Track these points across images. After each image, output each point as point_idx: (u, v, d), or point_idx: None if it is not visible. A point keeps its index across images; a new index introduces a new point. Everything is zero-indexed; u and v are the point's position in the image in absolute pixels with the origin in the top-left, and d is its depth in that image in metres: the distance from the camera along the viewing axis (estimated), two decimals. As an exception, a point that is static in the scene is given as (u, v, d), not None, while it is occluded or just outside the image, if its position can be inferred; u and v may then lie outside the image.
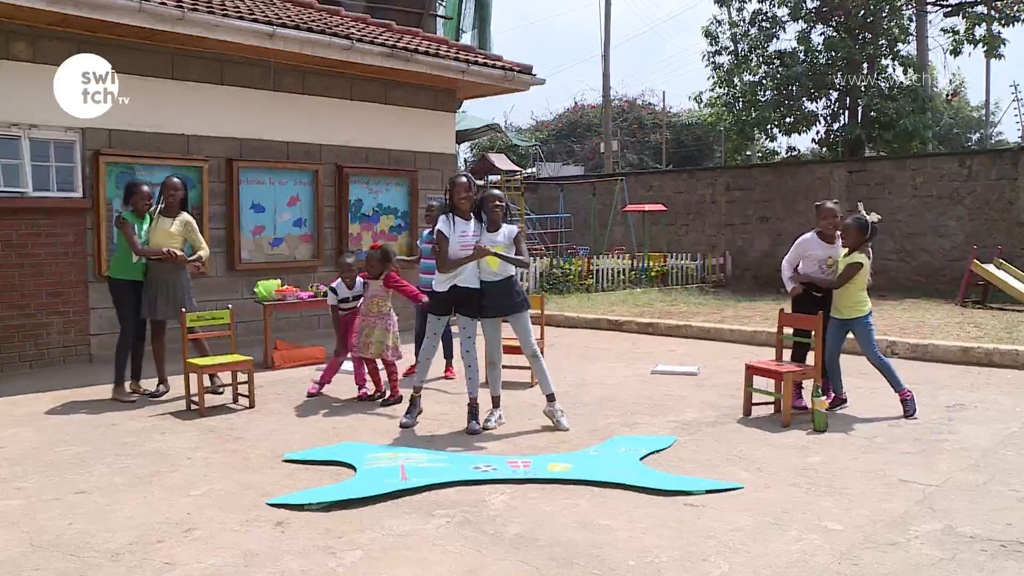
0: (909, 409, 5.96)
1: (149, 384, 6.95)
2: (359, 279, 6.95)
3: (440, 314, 5.86)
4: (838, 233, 6.18)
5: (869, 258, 6.08)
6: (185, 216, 6.83)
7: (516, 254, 5.73)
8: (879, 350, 6.21)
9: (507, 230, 5.77)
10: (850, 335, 6.23)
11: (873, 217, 6.10)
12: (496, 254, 5.60)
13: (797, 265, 6.35)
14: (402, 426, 5.75)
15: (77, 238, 8.18)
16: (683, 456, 5.03)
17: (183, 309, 6.47)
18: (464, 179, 5.80)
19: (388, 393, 6.63)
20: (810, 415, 5.74)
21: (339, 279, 7.05)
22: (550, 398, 5.80)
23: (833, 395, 6.26)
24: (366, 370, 6.87)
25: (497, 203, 5.75)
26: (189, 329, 6.57)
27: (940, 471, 4.70)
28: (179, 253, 6.69)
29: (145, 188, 6.78)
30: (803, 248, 6.31)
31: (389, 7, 12.92)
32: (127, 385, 6.81)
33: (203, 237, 7.09)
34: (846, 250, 6.13)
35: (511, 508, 4.13)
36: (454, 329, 6.32)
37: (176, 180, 6.87)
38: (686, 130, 36.22)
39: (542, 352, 6.22)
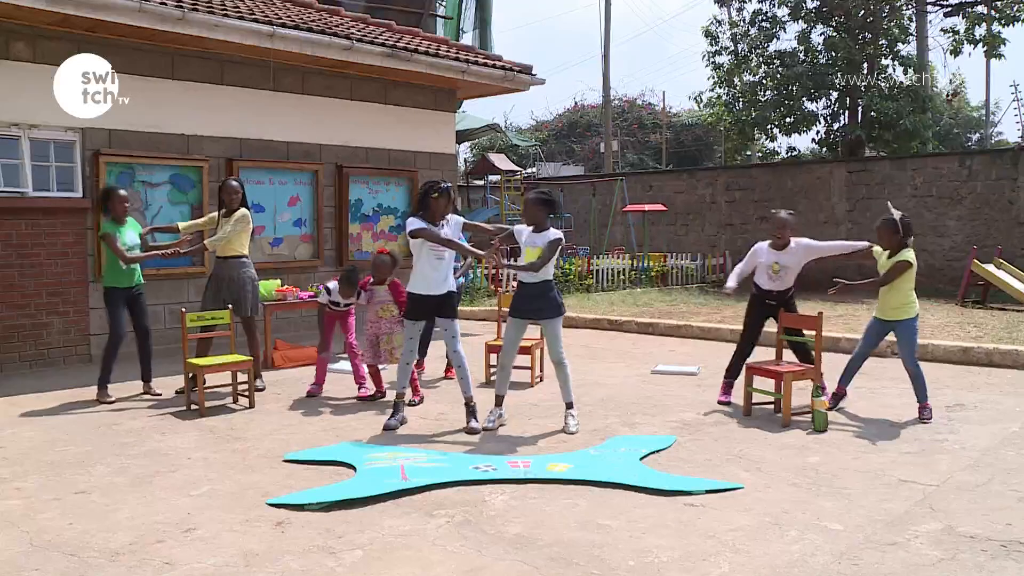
0: (925, 415, 5.88)
1: (156, 385, 6.97)
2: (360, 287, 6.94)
3: (415, 318, 5.82)
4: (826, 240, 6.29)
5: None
6: (240, 211, 6.95)
7: (544, 256, 5.61)
8: (917, 356, 6.05)
9: (549, 235, 5.65)
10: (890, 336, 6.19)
11: (896, 214, 6.00)
12: (509, 265, 5.63)
13: (752, 272, 6.50)
14: (386, 428, 5.69)
15: (77, 238, 8.18)
16: (683, 456, 5.03)
17: (181, 309, 6.47)
18: (445, 186, 5.72)
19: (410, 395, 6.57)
20: (810, 415, 5.74)
21: (336, 282, 7.01)
22: (568, 406, 5.77)
23: (836, 389, 6.22)
24: (365, 370, 6.87)
25: (538, 208, 5.70)
26: (204, 328, 6.60)
27: (940, 471, 4.70)
28: (169, 252, 6.83)
29: (122, 192, 6.75)
30: (755, 255, 6.47)
31: (389, 7, 12.93)
32: (142, 387, 6.86)
33: (242, 236, 7.01)
34: (886, 252, 6.03)
35: (511, 508, 4.13)
36: None
37: (233, 183, 7.05)
38: (686, 130, 36.22)
39: (542, 352, 6.22)
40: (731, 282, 6.57)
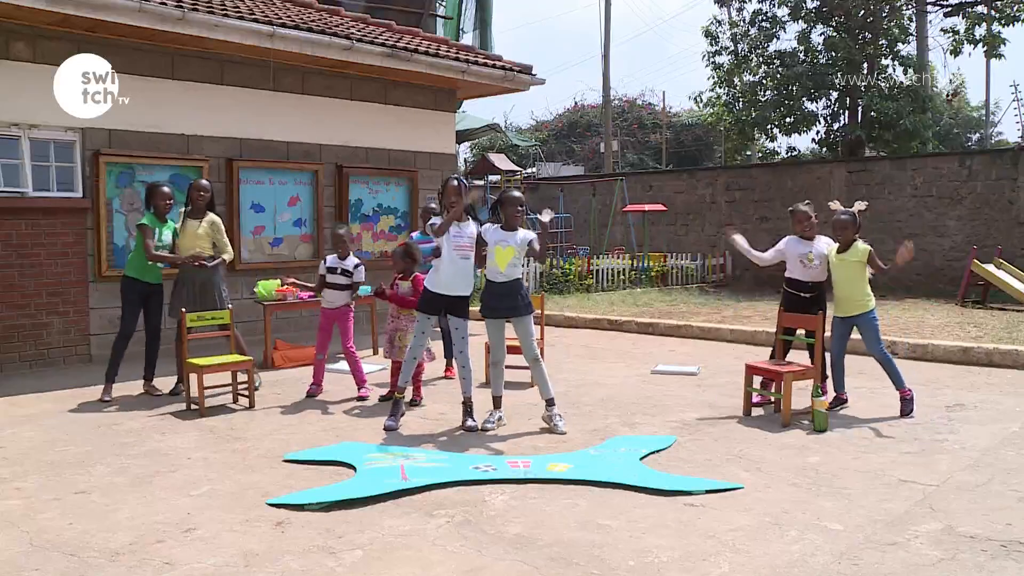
0: (907, 408, 5.97)
1: (156, 383, 6.97)
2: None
3: (428, 312, 5.84)
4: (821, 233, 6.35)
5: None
6: (211, 217, 6.90)
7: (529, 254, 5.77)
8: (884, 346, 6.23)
9: (523, 235, 5.72)
10: (855, 335, 6.25)
11: (860, 205, 6.21)
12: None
13: (765, 252, 6.54)
14: (386, 429, 5.69)
15: (77, 238, 8.18)
16: (683, 456, 5.03)
17: (183, 310, 6.46)
18: (455, 183, 5.77)
19: (411, 395, 6.55)
20: (809, 414, 5.74)
21: (334, 254, 6.98)
22: (549, 403, 5.77)
23: (834, 395, 6.26)
24: (364, 371, 6.87)
25: (520, 208, 5.72)
26: (192, 329, 6.60)
27: (940, 471, 4.70)
28: (197, 253, 6.68)
29: (165, 189, 6.84)
30: (786, 247, 6.41)
31: (389, 7, 12.92)
32: (143, 385, 6.87)
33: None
34: (835, 247, 6.19)
35: (511, 508, 4.13)
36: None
37: (204, 182, 7.01)
38: (686, 130, 36.23)
39: (542, 353, 6.21)
40: (741, 240, 6.63)
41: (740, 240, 6.70)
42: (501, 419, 5.83)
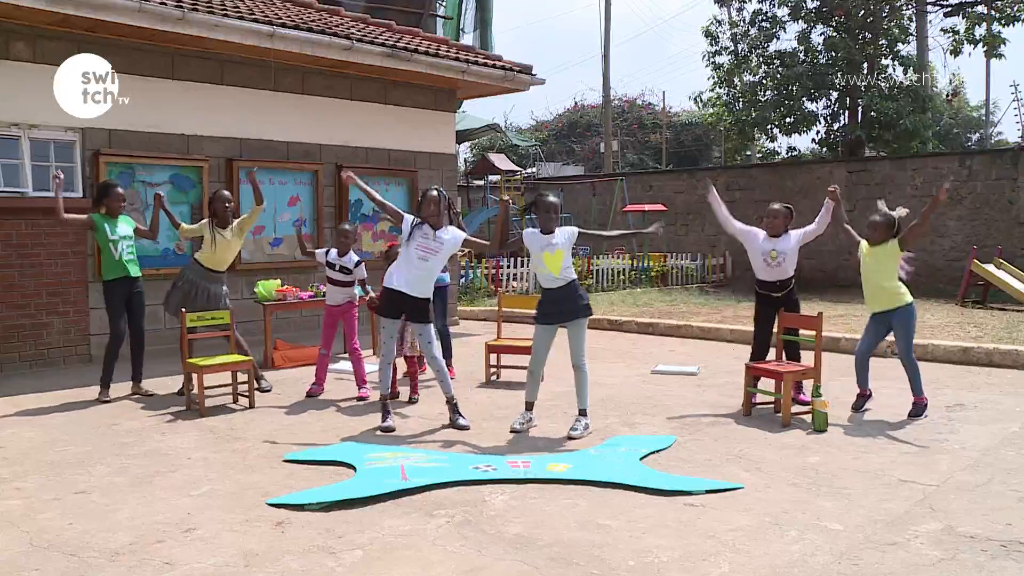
0: (917, 411, 5.93)
1: (150, 384, 6.97)
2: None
3: (390, 316, 5.77)
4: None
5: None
6: (236, 220, 6.97)
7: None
8: (913, 350, 6.11)
9: (567, 232, 5.64)
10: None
11: (900, 212, 6.09)
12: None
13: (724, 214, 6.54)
14: (384, 431, 5.67)
15: (77, 238, 8.17)
16: (683, 456, 5.04)
17: (183, 310, 6.46)
18: (435, 193, 5.73)
19: (410, 392, 6.65)
20: (810, 414, 5.74)
21: (334, 249, 6.99)
22: (581, 412, 5.73)
23: (860, 392, 6.21)
24: (366, 371, 6.87)
25: (554, 214, 5.62)
26: (192, 329, 6.59)
27: (940, 471, 4.70)
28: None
29: (119, 190, 6.82)
30: (751, 235, 6.39)
31: (389, 7, 12.93)
32: (131, 387, 6.85)
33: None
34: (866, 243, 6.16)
35: (511, 508, 4.13)
36: (452, 329, 6.30)
37: (226, 192, 7.05)
38: (686, 130, 36.24)
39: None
40: (716, 198, 6.56)
41: (715, 196, 6.63)
42: (531, 420, 5.79)
